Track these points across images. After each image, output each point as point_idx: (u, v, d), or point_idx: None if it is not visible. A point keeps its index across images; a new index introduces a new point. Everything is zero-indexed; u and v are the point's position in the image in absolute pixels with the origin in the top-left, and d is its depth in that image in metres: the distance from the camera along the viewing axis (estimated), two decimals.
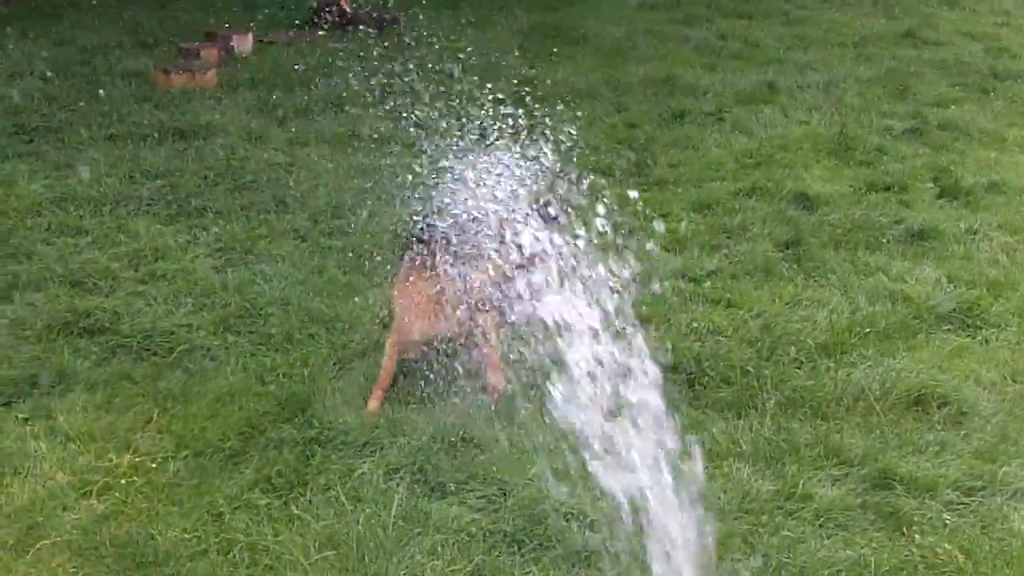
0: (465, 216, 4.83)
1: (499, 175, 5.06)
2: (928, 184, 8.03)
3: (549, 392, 4.01)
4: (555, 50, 11.34)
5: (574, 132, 5.47)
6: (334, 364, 5.37)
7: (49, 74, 9.83)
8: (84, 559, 4.01)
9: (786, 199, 7.65)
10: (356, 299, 5.94)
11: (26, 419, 4.88)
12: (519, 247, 4.39)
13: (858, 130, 9.12)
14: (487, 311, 4.91)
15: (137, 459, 4.59)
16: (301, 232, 6.95)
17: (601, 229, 4.31)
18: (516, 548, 4.13)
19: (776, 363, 5.50)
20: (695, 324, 5.85)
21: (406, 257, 5.12)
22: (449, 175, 7.93)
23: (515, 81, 10.25)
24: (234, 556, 4.03)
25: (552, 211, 4.58)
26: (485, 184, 6.23)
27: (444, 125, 9.14)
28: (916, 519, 4.39)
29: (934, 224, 7.24)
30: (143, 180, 7.69)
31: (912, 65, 11.39)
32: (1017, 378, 5.46)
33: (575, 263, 4.24)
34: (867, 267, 6.63)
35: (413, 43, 10.88)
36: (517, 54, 11.25)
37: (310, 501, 4.35)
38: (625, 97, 10.00)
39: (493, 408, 4.98)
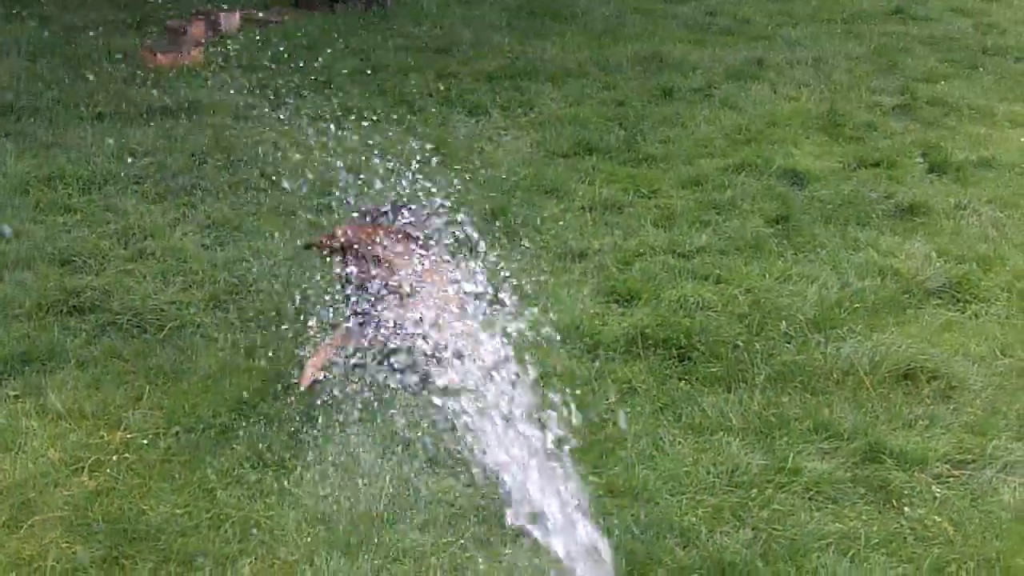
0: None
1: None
2: (917, 160, 8.04)
3: None
4: (543, 28, 11.32)
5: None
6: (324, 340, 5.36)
7: (35, 54, 9.78)
8: (76, 535, 4.02)
9: (775, 175, 7.65)
10: None
11: (17, 396, 4.87)
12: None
13: (847, 106, 9.13)
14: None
15: (128, 436, 4.59)
16: (290, 209, 6.93)
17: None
18: (503, 523, 4.13)
19: (766, 338, 5.51)
20: (685, 300, 5.85)
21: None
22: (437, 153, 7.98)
23: (505, 58, 10.29)
24: (225, 531, 4.03)
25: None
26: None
27: (434, 102, 9.18)
28: (906, 492, 4.41)
29: (924, 199, 7.25)
30: (132, 159, 7.65)
31: (901, 41, 11.38)
32: (1007, 352, 5.48)
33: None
34: (857, 242, 6.64)
35: (399, 21, 10.89)
36: (506, 32, 11.24)
37: (301, 476, 4.35)
38: (614, 75, 9.97)
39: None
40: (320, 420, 4.54)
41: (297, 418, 4.64)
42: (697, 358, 5.33)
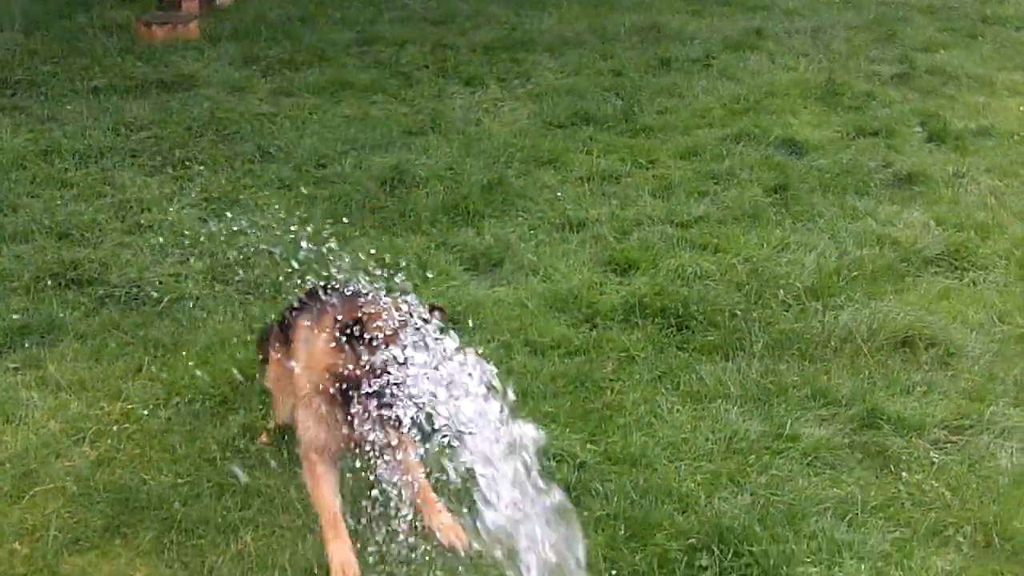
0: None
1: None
2: (916, 129, 8.04)
3: None
4: None
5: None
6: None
7: (30, 28, 9.74)
8: (78, 504, 4.03)
9: (774, 145, 7.64)
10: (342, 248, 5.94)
11: (16, 369, 4.88)
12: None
13: (846, 76, 9.11)
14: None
15: (128, 407, 4.60)
16: (286, 182, 6.93)
17: None
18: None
19: (764, 306, 5.52)
20: (683, 269, 5.86)
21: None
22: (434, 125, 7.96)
23: (502, 29, 10.24)
24: (227, 500, 4.04)
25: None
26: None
27: (430, 74, 9.15)
28: (903, 458, 4.43)
29: (922, 168, 7.25)
30: (127, 132, 7.65)
31: (900, 10, 11.35)
32: (1005, 319, 5.49)
33: None
34: (855, 211, 6.64)
35: None
36: (502, 3, 11.18)
37: None
38: (611, 45, 9.94)
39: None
40: None
41: None
42: (695, 327, 5.34)
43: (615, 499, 4.08)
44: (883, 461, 4.42)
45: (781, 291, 5.60)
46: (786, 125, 8.02)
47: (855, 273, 5.80)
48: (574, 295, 5.55)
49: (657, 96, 8.64)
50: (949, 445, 4.53)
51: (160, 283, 5.59)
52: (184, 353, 4.95)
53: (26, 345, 5.04)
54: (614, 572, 3.73)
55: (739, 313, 5.42)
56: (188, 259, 5.86)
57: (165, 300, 5.45)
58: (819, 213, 6.59)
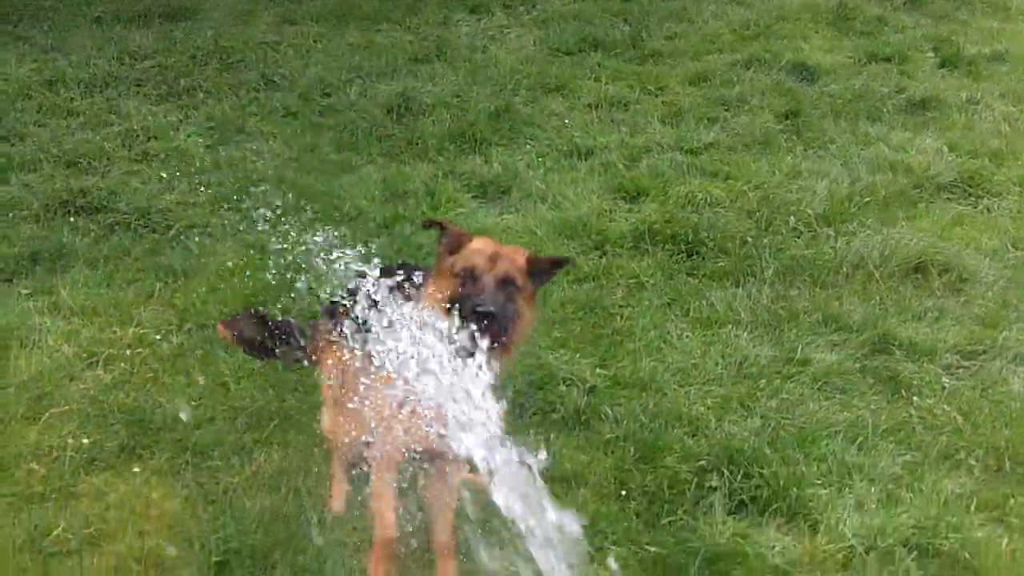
0: None
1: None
2: (929, 54, 7.94)
3: None
4: None
5: None
6: (327, 241, 5.35)
7: None
8: (93, 426, 4.05)
9: (785, 70, 7.55)
10: (348, 176, 5.92)
11: (29, 295, 4.89)
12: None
13: (857, 0, 8.96)
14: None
15: (141, 332, 4.61)
16: (292, 110, 6.88)
17: None
18: (519, 412, 4.16)
19: (775, 233, 5.50)
20: (693, 196, 5.82)
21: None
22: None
23: None
24: (240, 423, 4.07)
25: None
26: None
27: (434, 1, 9.02)
28: (915, 382, 4.43)
29: (935, 94, 7.17)
30: (132, 61, 7.59)
31: None
32: (1018, 245, 5.47)
33: None
34: (867, 137, 6.58)
35: None
36: None
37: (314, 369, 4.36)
38: None
39: None
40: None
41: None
42: (705, 253, 5.33)
43: (625, 422, 4.10)
44: (894, 386, 4.42)
45: (792, 218, 5.58)
46: (797, 50, 7.92)
47: (867, 199, 5.77)
48: (583, 222, 5.53)
49: (666, 21, 8.52)
50: (961, 370, 4.53)
51: (169, 211, 5.58)
52: (194, 280, 4.95)
53: (37, 271, 5.05)
54: (623, 493, 3.75)
55: (750, 240, 5.40)
56: (196, 187, 5.84)
57: (174, 228, 5.44)
58: (831, 139, 6.53)
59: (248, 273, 4.97)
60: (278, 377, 4.28)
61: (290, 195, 5.64)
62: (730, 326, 4.77)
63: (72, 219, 5.50)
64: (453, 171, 6.07)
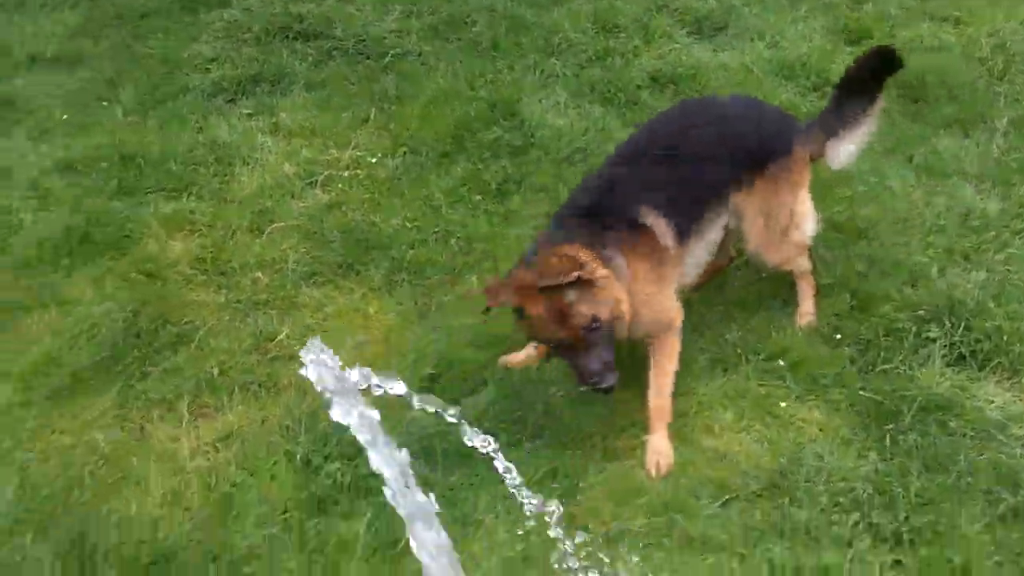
0: None
1: None
2: None
3: None
4: None
5: None
6: (540, 72, 5.31)
7: None
8: (313, 242, 4.21)
9: None
10: (559, 9, 5.82)
11: (250, 115, 5.06)
12: None
13: None
14: None
15: (357, 154, 4.72)
16: None
17: None
18: None
19: (1010, 82, 5.13)
20: (920, 40, 5.48)
21: None
22: None
23: None
24: (452, 245, 4.15)
25: None
26: None
27: None
28: None
29: None
30: None
31: None
32: None
33: None
34: None
35: None
36: None
37: (523, 199, 4.40)
38: None
39: None
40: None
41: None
42: (931, 99, 5.02)
43: (839, 268, 3.98)
44: None
45: None
46: None
47: None
48: (802, 62, 5.29)
49: None
50: None
51: (384, 39, 5.63)
52: (409, 107, 5.01)
53: (258, 92, 5.21)
54: (838, 336, 3.67)
55: (981, 88, 5.06)
56: (410, 16, 5.86)
57: (389, 55, 5.49)
58: None
59: (460, 102, 5.02)
60: (486, 208, 4.34)
61: (502, 27, 5.65)
62: (955, 176, 4.52)
63: (291, 43, 5.62)
64: (667, 5, 5.87)
